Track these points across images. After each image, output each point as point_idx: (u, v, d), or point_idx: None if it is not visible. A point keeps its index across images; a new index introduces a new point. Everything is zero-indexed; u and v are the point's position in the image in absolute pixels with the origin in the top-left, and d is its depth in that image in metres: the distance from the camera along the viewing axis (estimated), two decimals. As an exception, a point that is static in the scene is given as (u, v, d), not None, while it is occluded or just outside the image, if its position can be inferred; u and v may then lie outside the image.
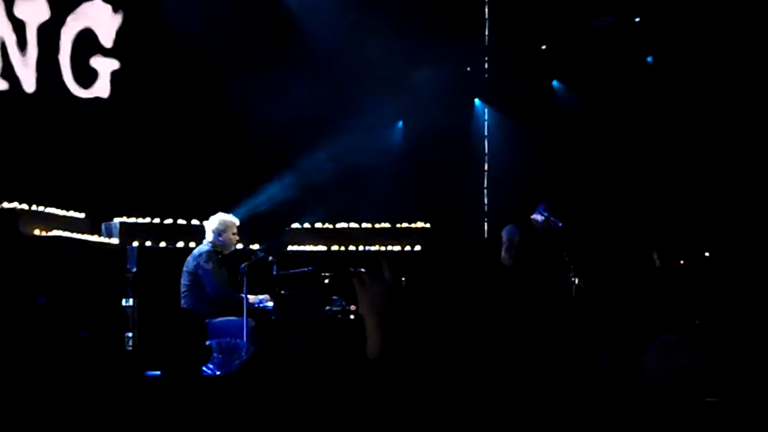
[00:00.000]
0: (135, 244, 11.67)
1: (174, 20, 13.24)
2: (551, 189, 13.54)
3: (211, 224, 10.78)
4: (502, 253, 11.78)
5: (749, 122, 13.66)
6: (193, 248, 11.01)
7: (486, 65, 15.39)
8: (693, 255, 12.51)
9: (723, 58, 13.73)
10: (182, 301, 10.44)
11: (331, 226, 13.01)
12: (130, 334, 10.72)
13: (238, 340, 9.80)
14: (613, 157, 14.31)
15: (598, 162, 14.41)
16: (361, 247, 12.79)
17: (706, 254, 12.57)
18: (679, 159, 13.99)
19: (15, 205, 10.66)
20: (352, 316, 10.73)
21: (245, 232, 11.37)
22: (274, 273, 10.65)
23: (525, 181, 14.28)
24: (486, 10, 15.17)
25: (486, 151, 15.34)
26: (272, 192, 13.58)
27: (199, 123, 13.71)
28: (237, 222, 10.90)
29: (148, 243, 11.82)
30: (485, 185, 15.24)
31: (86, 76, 13.32)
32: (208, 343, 5.89)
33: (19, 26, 12.94)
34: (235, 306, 10.27)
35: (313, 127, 14.04)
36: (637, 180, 14.13)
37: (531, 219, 12.00)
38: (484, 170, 15.28)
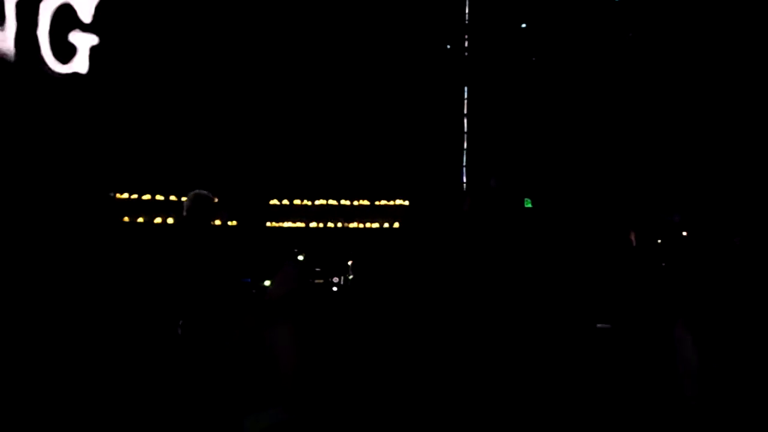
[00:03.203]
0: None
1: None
2: (531, 167, 13.57)
3: (185, 200, 10.75)
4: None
5: (729, 101, 13.72)
6: (170, 224, 11.02)
7: (466, 43, 15.39)
8: (670, 234, 12.54)
9: (703, 35, 13.78)
10: None
11: (309, 203, 13.02)
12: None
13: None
14: (593, 135, 14.35)
15: (578, 140, 14.45)
16: (339, 225, 12.82)
17: (684, 234, 12.62)
18: (660, 137, 14.05)
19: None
20: (335, 288, 10.82)
21: (224, 207, 11.36)
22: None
23: (505, 159, 14.31)
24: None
25: (465, 129, 15.35)
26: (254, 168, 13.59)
27: (179, 99, 13.68)
28: (209, 197, 10.82)
29: (125, 219, 11.83)
30: (464, 163, 15.26)
31: (65, 52, 13.25)
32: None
33: (-3, 1, 12.88)
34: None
35: (294, 104, 14.03)
36: (618, 158, 14.18)
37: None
38: (463, 148, 15.29)
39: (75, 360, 8.07)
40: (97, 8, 13.36)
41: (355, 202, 13.11)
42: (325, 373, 6.41)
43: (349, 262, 11.64)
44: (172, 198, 11.94)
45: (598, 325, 8.00)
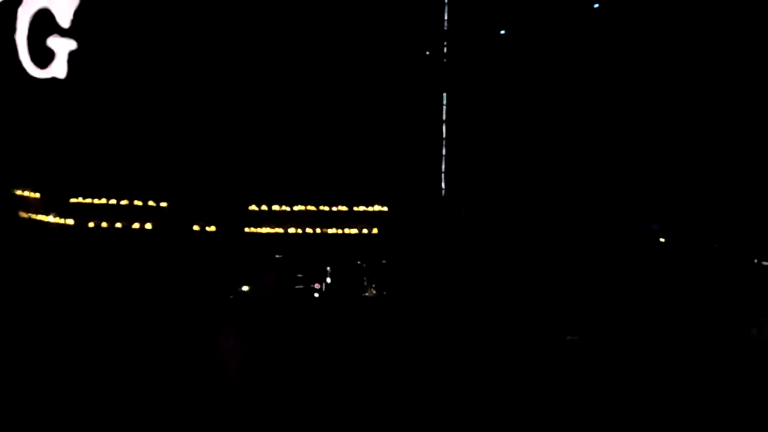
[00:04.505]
0: (91, 224, 11.64)
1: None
2: (509, 174, 13.60)
3: (167, 205, 10.76)
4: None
5: (708, 108, 13.79)
6: (149, 229, 11.02)
7: (445, 49, 15.40)
8: (648, 241, 12.60)
9: (684, 43, 13.86)
10: None
11: (288, 209, 13.01)
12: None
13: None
14: (572, 141, 14.38)
15: (557, 146, 14.47)
16: (318, 230, 12.81)
17: (661, 240, 12.67)
18: (640, 144, 14.09)
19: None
20: (316, 294, 10.85)
21: (202, 212, 11.35)
22: None
23: (483, 166, 14.32)
24: (446, -6, 15.20)
25: (444, 135, 15.36)
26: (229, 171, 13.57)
27: (158, 104, 13.65)
28: (193, 202, 10.85)
29: (104, 224, 11.80)
30: (443, 169, 15.26)
31: (43, 56, 13.21)
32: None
33: (-26, 5, 12.83)
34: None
35: (272, 109, 14.02)
36: (599, 165, 14.22)
37: None
38: (441, 154, 15.30)
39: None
40: (76, 13, 13.35)
41: (334, 208, 13.09)
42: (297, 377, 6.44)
43: (328, 268, 11.65)
44: (150, 203, 11.92)
45: (568, 338, 8.10)
